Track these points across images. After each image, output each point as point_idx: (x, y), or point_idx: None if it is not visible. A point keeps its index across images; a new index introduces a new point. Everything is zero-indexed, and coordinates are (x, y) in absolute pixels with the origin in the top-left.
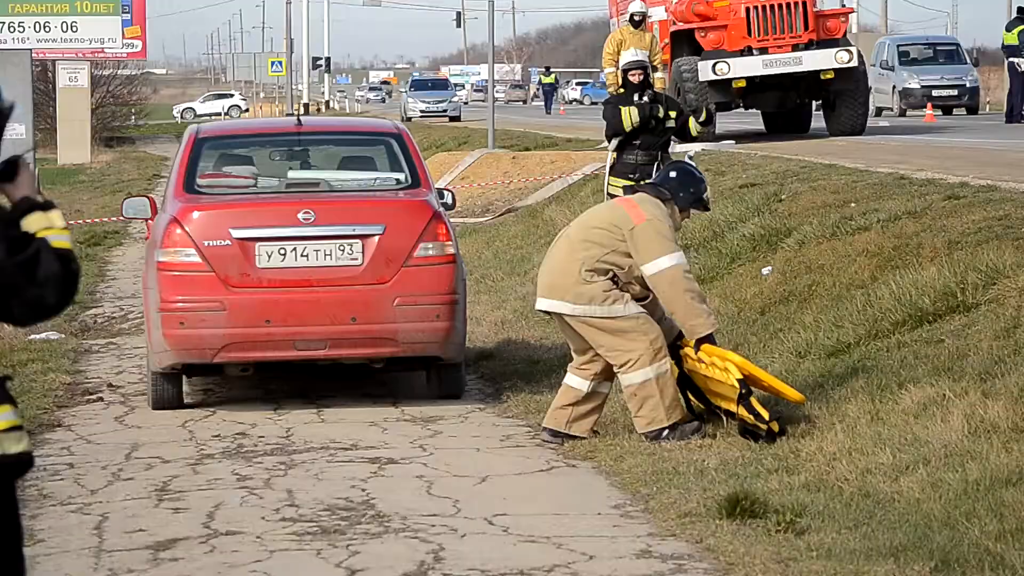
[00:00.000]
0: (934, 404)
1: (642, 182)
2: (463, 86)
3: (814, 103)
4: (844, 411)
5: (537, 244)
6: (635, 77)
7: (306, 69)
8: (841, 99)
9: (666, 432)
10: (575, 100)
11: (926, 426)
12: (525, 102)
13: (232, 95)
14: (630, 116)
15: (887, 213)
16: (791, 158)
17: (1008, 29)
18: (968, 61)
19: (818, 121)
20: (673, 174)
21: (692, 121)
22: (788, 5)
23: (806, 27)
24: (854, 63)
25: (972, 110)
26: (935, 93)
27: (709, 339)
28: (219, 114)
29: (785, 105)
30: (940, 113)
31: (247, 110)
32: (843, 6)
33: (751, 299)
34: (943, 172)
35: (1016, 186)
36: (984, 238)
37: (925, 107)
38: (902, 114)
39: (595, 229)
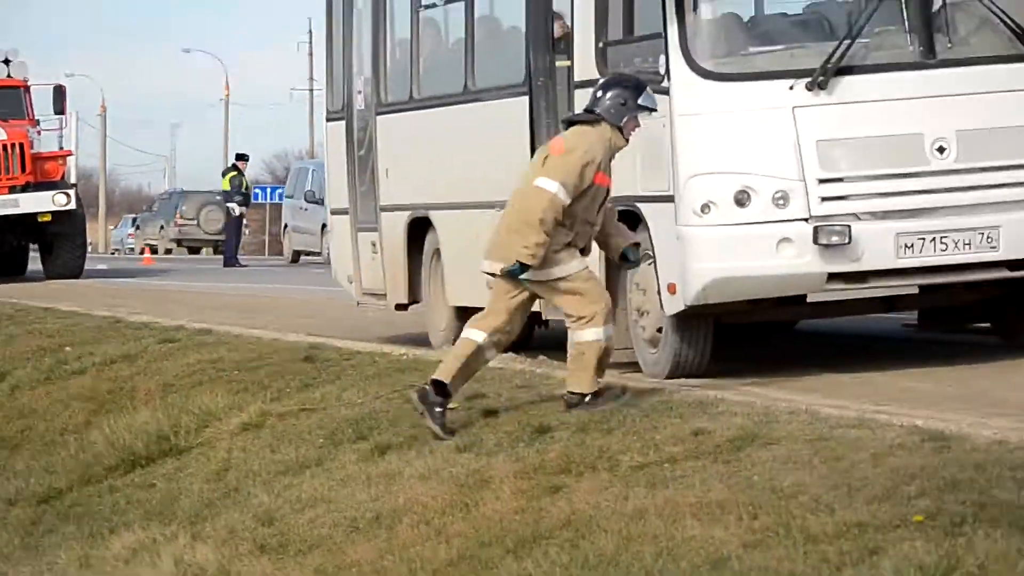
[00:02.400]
0: (144, 549)
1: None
2: None
3: (32, 245)
4: (54, 559)
5: None
6: None
7: None
8: (59, 241)
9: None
10: None
11: (136, 571)
12: None
13: None
14: None
15: (102, 356)
16: (6, 301)
17: (223, 175)
18: None
19: (35, 263)
20: (599, 92)
21: None
22: (5, 147)
23: (23, 169)
24: (72, 206)
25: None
26: None
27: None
28: None
29: (2, 247)
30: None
31: None
32: (62, 149)
33: None
34: (160, 315)
35: (230, 329)
36: (198, 380)
37: None
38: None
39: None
